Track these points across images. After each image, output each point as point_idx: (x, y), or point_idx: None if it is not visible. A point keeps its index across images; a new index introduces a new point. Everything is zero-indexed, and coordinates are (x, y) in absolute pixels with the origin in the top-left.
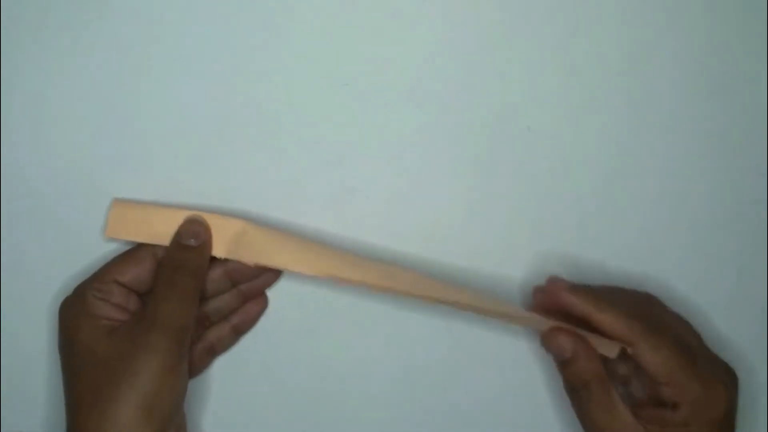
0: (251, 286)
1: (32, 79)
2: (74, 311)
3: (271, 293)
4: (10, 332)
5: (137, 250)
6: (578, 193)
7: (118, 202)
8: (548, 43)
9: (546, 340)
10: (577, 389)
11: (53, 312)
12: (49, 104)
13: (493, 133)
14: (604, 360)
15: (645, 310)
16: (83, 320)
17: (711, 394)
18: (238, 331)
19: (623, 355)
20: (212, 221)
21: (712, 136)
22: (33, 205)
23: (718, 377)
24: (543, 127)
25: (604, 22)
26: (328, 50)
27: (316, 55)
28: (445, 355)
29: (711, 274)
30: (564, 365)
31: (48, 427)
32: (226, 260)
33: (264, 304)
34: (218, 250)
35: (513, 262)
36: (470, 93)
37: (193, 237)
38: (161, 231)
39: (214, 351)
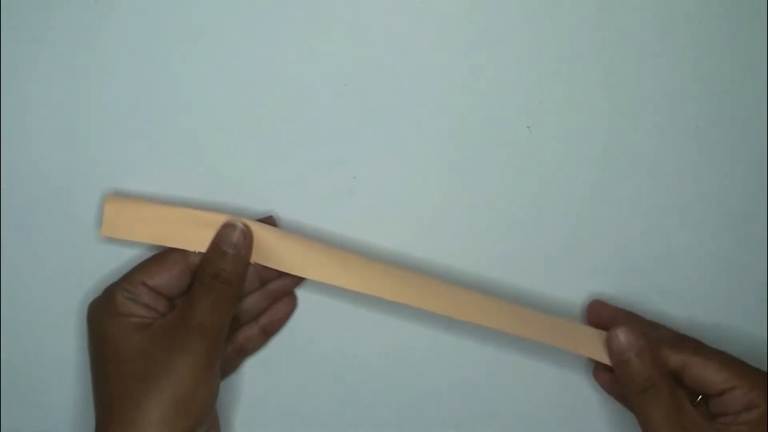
0: (280, 286)
1: (32, 80)
2: (103, 310)
3: (301, 292)
4: (10, 332)
5: (168, 253)
6: (578, 193)
7: (113, 198)
8: (548, 43)
9: (610, 338)
10: (642, 390)
11: (54, 311)
12: (55, 104)
13: (493, 133)
14: None
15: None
16: (113, 318)
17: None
18: (268, 332)
19: None
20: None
21: (712, 136)
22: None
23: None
24: (543, 127)
25: (605, 21)
26: (328, 50)
27: (316, 55)
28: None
29: (711, 273)
30: (625, 365)
31: (48, 427)
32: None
33: (293, 304)
34: (255, 257)
35: (513, 262)
36: (470, 93)
37: (232, 246)
38: (163, 231)
39: (244, 352)
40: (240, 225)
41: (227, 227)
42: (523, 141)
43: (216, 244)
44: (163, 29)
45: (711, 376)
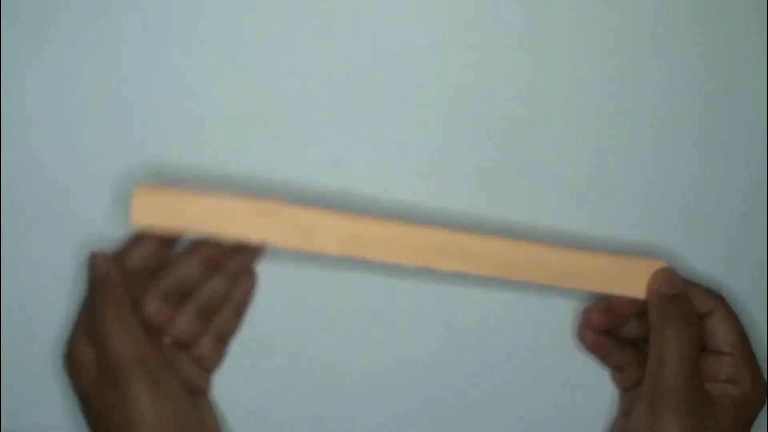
0: (236, 265)
1: (32, 80)
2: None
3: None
4: (10, 333)
5: None
6: (578, 193)
7: (141, 188)
8: (548, 43)
9: (658, 272)
10: (672, 318)
11: (54, 311)
12: (52, 104)
13: (493, 133)
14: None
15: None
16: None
17: (756, 388)
18: (239, 310)
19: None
20: (273, 209)
21: (712, 135)
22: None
23: (764, 378)
24: (543, 127)
25: (605, 22)
26: (328, 50)
27: (317, 55)
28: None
29: (710, 274)
30: (667, 299)
31: (48, 427)
32: (197, 247)
33: (254, 278)
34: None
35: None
36: (470, 93)
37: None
38: (195, 219)
39: (224, 338)
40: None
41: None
42: (523, 141)
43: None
44: (166, 27)
45: (723, 334)
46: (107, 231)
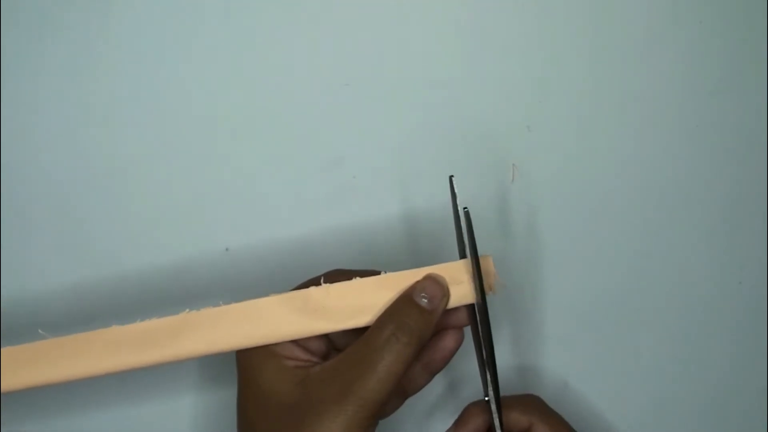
0: (447, 319)
1: (32, 80)
2: (254, 349)
3: None
4: (10, 332)
5: None
6: (577, 193)
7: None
8: (548, 44)
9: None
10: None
11: (55, 310)
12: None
13: (492, 133)
14: None
15: (538, 401)
16: (265, 360)
17: None
18: (431, 370)
19: None
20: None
21: (712, 135)
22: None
23: None
24: (543, 127)
25: (605, 22)
26: (328, 50)
27: (317, 55)
28: None
29: (710, 273)
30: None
31: (48, 427)
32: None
33: (459, 338)
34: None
35: (512, 262)
36: (470, 93)
37: (428, 296)
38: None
39: (406, 392)
40: (440, 278)
41: (427, 278)
42: (523, 141)
43: (409, 292)
44: (166, 29)
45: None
46: (108, 230)
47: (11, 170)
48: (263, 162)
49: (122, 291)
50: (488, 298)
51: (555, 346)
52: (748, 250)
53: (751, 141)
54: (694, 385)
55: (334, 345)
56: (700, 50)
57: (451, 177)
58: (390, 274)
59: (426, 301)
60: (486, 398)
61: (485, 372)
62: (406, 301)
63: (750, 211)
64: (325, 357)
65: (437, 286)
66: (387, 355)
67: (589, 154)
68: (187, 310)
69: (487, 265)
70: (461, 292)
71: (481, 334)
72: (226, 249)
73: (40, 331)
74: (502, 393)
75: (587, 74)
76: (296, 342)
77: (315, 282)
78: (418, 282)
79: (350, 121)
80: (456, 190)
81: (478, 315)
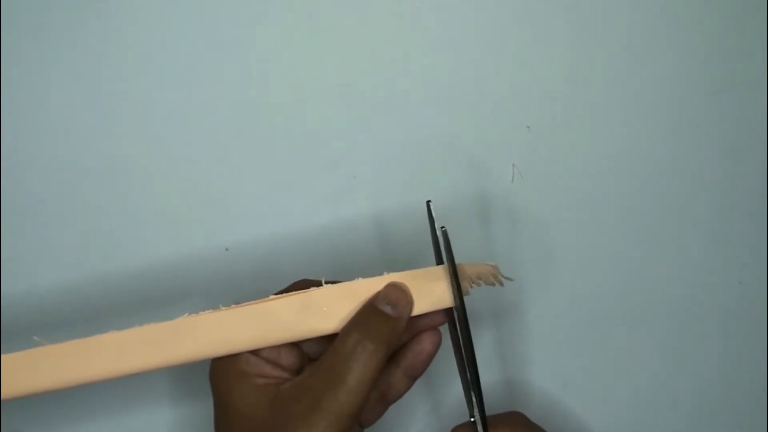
0: (422, 322)
1: (32, 80)
2: (226, 368)
3: None
4: (11, 331)
5: None
6: (577, 193)
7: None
8: (548, 44)
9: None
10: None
11: (55, 309)
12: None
13: (493, 133)
14: None
15: (522, 418)
16: (236, 380)
17: None
18: (411, 375)
19: None
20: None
21: (712, 135)
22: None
23: None
24: (543, 127)
25: (605, 22)
26: (328, 50)
27: (317, 55)
28: None
29: (710, 274)
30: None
31: (48, 427)
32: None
33: (437, 340)
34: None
35: (512, 262)
36: (470, 93)
37: (391, 304)
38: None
39: (387, 399)
40: (403, 286)
41: (390, 286)
42: (523, 141)
43: (372, 301)
44: (164, 30)
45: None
46: (107, 230)
47: (11, 170)
48: (263, 162)
49: (122, 290)
50: (487, 298)
51: (555, 346)
52: (748, 250)
53: (751, 141)
54: (694, 385)
55: (309, 357)
56: (700, 50)
57: (428, 202)
58: (355, 282)
59: (390, 308)
60: (472, 419)
61: (470, 393)
62: (369, 309)
63: (750, 211)
64: (299, 371)
65: (400, 292)
66: (354, 364)
67: (588, 154)
68: (187, 314)
69: (491, 270)
70: (440, 296)
71: (464, 353)
72: (226, 249)
73: (35, 338)
74: (490, 405)
75: (587, 74)
76: (267, 359)
77: (286, 291)
78: (379, 291)
79: (350, 121)
80: (434, 215)
81: (461, 335)
